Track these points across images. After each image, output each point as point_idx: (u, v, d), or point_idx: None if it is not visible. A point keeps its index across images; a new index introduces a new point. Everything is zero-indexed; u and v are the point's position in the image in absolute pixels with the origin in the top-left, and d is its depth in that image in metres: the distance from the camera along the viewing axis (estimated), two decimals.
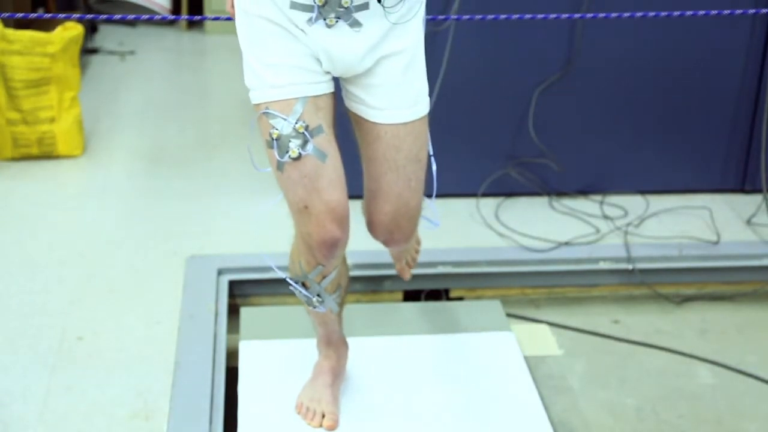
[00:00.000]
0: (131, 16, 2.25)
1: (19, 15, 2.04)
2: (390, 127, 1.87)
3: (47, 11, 4.30)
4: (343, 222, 1.88)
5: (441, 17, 2.93)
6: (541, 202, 3.27)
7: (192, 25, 4.90)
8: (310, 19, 1.77)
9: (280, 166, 1.84)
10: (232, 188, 3.33)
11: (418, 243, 2.35)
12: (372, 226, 2.02)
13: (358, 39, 1.79)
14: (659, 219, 3.19)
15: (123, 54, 4.49)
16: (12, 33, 3.35)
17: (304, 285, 2.02)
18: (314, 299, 2.04)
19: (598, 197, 3.30)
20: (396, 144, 1.88)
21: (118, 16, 2.26)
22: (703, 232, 3.12)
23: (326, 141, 1.84)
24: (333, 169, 1.85)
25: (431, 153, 1.99)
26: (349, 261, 2.81)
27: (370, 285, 2.92)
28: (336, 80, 1.89)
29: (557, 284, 3.00)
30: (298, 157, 1.82)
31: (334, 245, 1.89)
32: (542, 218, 3.18)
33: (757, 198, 3.25)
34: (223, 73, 4.40)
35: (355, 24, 1.78)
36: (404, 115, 1.87)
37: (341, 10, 1.76)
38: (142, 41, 4.64)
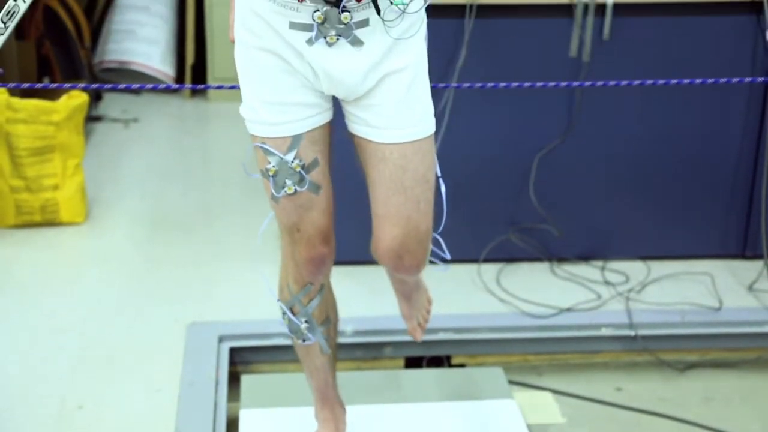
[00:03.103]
0: (135, 85, 2.28)
1: (25, 85, 2.06)
2: (396, 146, 1.84)
3: (53, 80, 4.35)
4: (330, 241, 1.96)
5: (441, 85, 2.96)
6: (543, 267, 3.27)
7: (195, 92, 4.95)
8: (309, 39, 1.76)
9: (275, 198, 1.90)
10: (233, 254, 3.33)
11: (429, 303, 2.34)
12: (380, 252, 1.94)
13: (359, 57, 1.78)
14: (661, 285, 3.19)
15: (127, 121, 4.53)
16: (17, 102, 3.38)
17: (292, 312, 2.04)
18: (302, 326, 2.04)
19: (600, 263, 3.30)
20: (403, 164, 1.85)
21: (122, 85, 2.29)
22: (705, 298, 3.11)
23: (321, 174, 1.89)
24: (325, 198, 1.92)
25: (439, 174, 1.95)
26: (350, 327, 2.82)
27: (371, 352, 2.90)
28: (337, 105, 1.89)
29: (559, 351, 2.98)
30: (294, 193, 1.88)
31: (321, 262, 1.98)
32: (544, 284, 3.17)
33: (758, 264, 3.25)
34: (225, 139, 4.43)
35: (357, 42, 1.77)
36: (410, 134, 1.84)
37: (341, 26, 1.75)
38: (145, 109, 4.68)
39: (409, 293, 2.24)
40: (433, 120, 1.88)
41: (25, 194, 3.46)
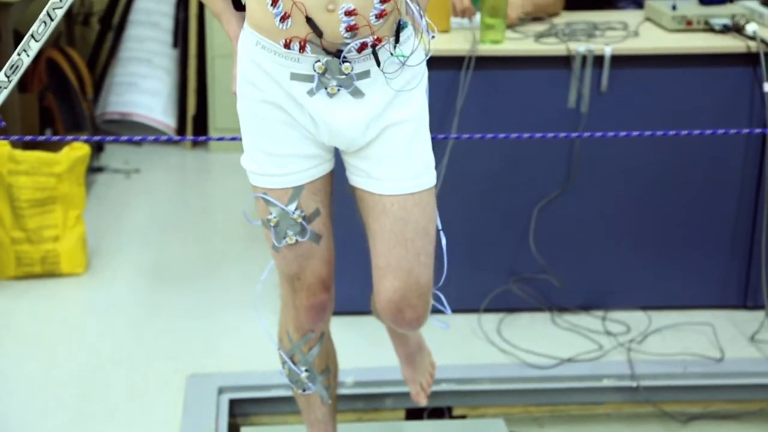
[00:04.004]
0: (137, 138, 2.29)
1: (28, 137, 2.08)
2: (397, 198, 1.84)
3: (55, 132, 4.38)
4: (330, 288, 1.98)
5: (441, 136, 2.98)
6: (543, 317, 3.26)
7: (196, 143, 4.98)
8: (310, 90, 1.77)
9: (276, 248, 1.91)
10: (233, 305, 3.33)
11: (433, 366, 2.32)
12: (381, 306, 1.93)
13: (360, 109, 1.79)
14: (662, 335, 3.18)
15: (128, 172, 4.55)
16: (20, 154, 3.39)
17: (293, 361, 2.03)
18: (303, 375, 2.04)
19: (600, 313, 3.29)
20: (404, 216, 1.85)
21: (124, 138, 2.30)
22: (707, 349, 3.10)
23: (322, 223, 1.90)
24: (326, 247, 1.93)
25: (440, 228, 1.95)
26: (351, 378, 2.81)
27: (371, 403, 2.88)
28: (338, 156, 1.90)
29: (561, 402, 2.96)
30: (295, 243, 1.89)
31: (322, 309, 1.99)
32: (544, 334, 3.16)
33: (759, 314, 3.24)
34: (226, 190, 4.45)
35: (357, 93, 1.78)
36: (411, 186, 1.85)
37: (342, 77, 1.76)
38: (147, 159, 4.71)
39: (412, 356, 2.23)
40: (434, 172, 1.90)
41: (26, 245, 3.46)
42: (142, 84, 4.83)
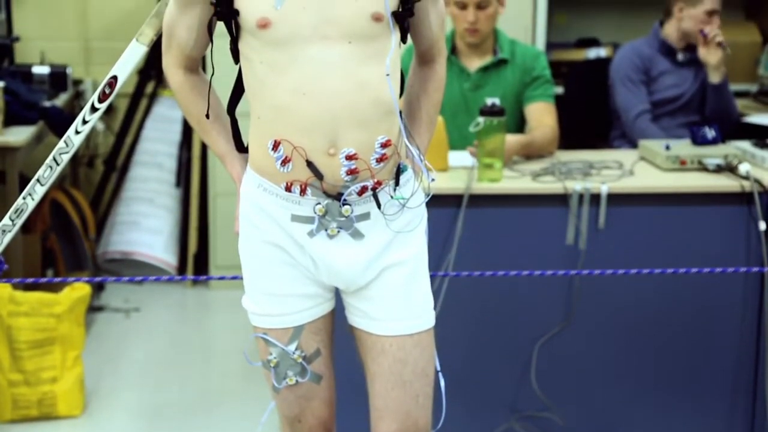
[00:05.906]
0: (138, 278, 2.31)
1: (30, 280, 2.09)
2: (395, 339, 1.85)
3: (56, 272, 4.39)
4: (331, 430, 1.96)
5: (439, 273, 2.99)
6: None
7: (197, 281, 4.99)
8: (310, 232, 1.79)
9: (276, 389, 1.90)
10: None
11: None
12: None
13: (360, 250, 1.81)
14: None
15: (128, 311, 4.54)
16: (20, 295, 3.39)
17: None
18: None
19: None
20: (402, 357, 1.85)
21: (125, 278, 2.32)
22: None
23: (323, 364, 1.90)
24: (327, 388, 1.92)
25: (438, 369, 1.94)
26: None
27: None
28: (338, 294, 1.90)
29: None
30: (296, 384, 1.88)
31: None
32: None
33: None
34: (226, 328, 4.43)
35: (357, 235, 1.80)
36: (410, 327, 1.86)
37: (342, 219, 1.78)
38: (147, 298, 4.71)
39: None
40: (433, 313, 1.91)
41: (23, 388, 3.42)
42: (144, 223, 4.88)
